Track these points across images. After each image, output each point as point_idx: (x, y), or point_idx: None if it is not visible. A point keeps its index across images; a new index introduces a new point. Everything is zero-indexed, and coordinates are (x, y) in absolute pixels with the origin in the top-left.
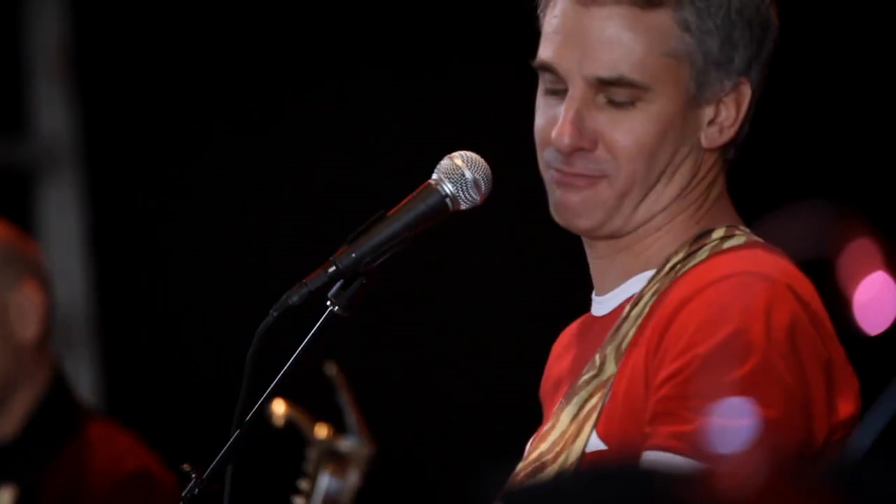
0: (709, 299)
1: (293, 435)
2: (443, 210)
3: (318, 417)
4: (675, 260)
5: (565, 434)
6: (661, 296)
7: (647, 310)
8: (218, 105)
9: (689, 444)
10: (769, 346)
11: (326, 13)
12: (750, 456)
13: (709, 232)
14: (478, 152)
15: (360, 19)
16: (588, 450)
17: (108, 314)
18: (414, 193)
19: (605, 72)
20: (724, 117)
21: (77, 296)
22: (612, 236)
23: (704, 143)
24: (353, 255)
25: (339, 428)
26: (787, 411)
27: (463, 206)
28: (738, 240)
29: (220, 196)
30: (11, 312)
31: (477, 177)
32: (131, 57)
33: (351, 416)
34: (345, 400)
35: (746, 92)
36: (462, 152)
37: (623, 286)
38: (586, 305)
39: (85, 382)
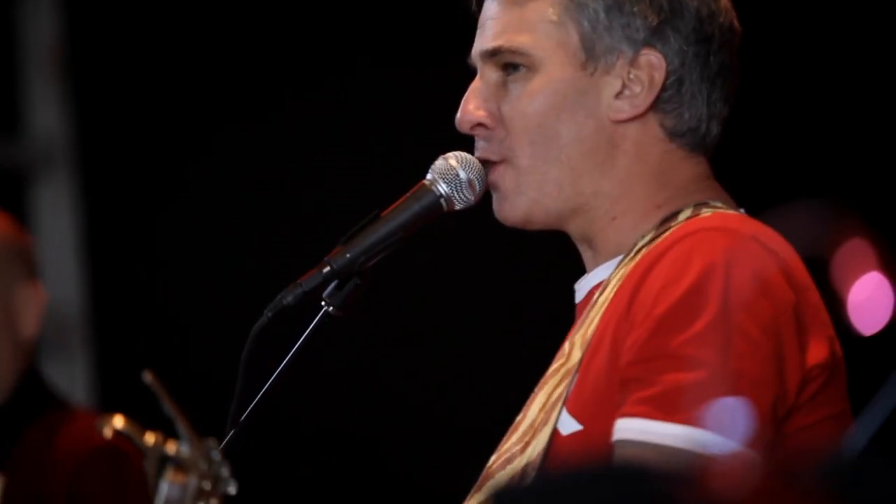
0: (671, 260)
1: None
2: (437, 210)
3: (157, 426)
4: (641, 244)
5: (534, 424)
6: (626, 278)
7: (612, 294)
8: (215, 104)
9: (655, 406)
10: (727, 297)
11: (326, 13)
12: (746, 453)
13: (675, 214)
14: (472, 153)
15: (360, 19)
16: (565, 432)
17: (102, 314)
18: (408, 193)
19: (488, 44)
20: (633, 91)
21: (71, 296)
22: (561, 224)
23: (611, 116)
24: (348, 255)
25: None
26: (749, 360)
27: (457, 207)
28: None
29: (216, 196)
30: (18, 309)
31: (471, 177)
32: (126, 56)
33: (179, 422)
34: (169, 406)
35: (657, 63)
36: (457, 153)
37: (594, 272)
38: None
39: (79, 382)
